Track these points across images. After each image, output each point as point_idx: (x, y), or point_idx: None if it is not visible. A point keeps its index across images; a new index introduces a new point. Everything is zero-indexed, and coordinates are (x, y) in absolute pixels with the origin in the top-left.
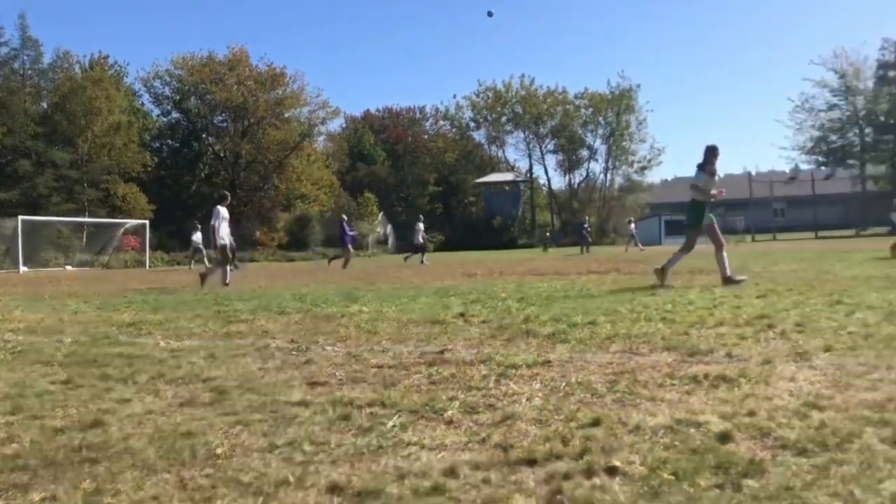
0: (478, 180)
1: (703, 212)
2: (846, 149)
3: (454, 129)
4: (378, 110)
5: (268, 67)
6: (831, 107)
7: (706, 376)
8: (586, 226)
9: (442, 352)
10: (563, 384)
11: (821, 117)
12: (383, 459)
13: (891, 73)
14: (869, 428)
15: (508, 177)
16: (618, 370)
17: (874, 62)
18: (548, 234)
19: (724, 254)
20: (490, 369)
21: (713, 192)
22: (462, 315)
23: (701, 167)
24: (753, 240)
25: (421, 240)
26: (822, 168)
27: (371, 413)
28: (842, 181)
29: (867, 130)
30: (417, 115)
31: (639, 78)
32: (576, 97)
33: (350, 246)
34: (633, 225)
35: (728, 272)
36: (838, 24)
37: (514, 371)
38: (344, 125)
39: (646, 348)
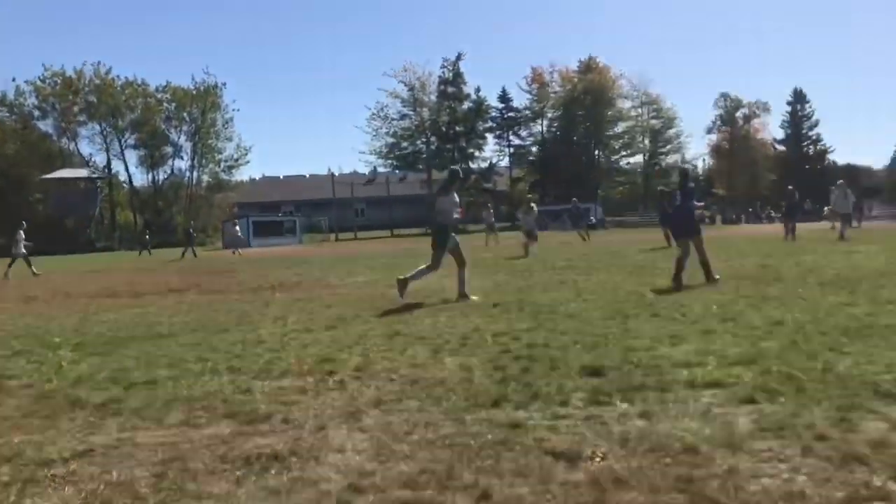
0: (45, 176)
1: (446, 234)
2: (416, 155)
3: (14, 118)
4: None
5: None
6: (402, 116)
7: (259, 456)
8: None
9: None
10: (102, 487)
11: (394, 125)
12: None
13: (450, 89)
14: None
15: (83, 173)
16: (168, 456)
17: (437, 78)
18: (147, 235)
19: (466, 273)
20: (14, 473)
21: (456, 214)
22: None
23: (443, 190)
24: (337, 239)
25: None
26: (397, 171)
27: None
28: (413, 184)
29: (432, 139)
30: None
31: (225, 76)
32: (157, 90)
33: None
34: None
35: (465, 289)
36: (409, 38)
37: (45, 472)
38: None
39: (204, 416)
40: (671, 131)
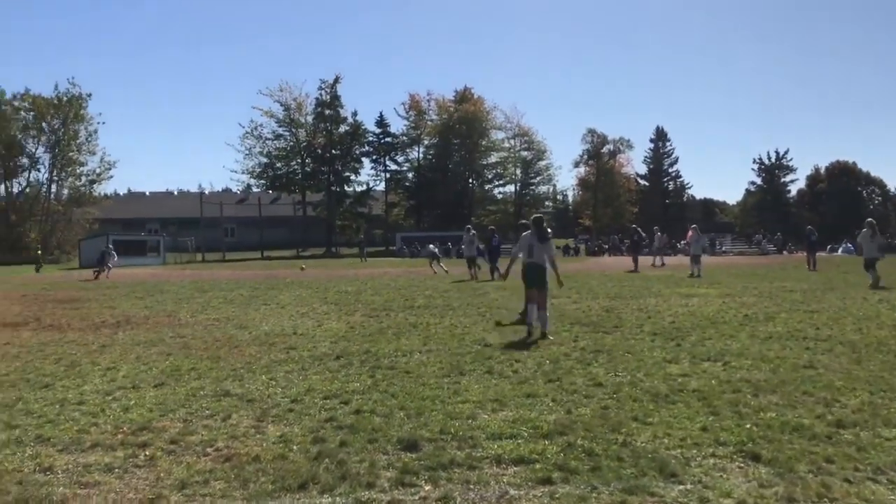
0: None
1: None
2: (290, 176)
3: None
4: None
5: None
6: (277, 136)
7: None
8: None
9: None
10: None
11: (268, 145)
12: None
13: (327, 112)
14: None
15: None
16: None
17: (314, 99)
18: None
19: None
20: None
21: None
22: None
23: None
24: (204, 259)
25: None
26: (270, 192)
27: None
28: (286, 205)
29: (308, 161)
30: None
31: (92, 87)
32: (14, 98)
33: None
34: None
35: None
36: (287, 57)
37: None
38: None
39: None
40: (542, 163)
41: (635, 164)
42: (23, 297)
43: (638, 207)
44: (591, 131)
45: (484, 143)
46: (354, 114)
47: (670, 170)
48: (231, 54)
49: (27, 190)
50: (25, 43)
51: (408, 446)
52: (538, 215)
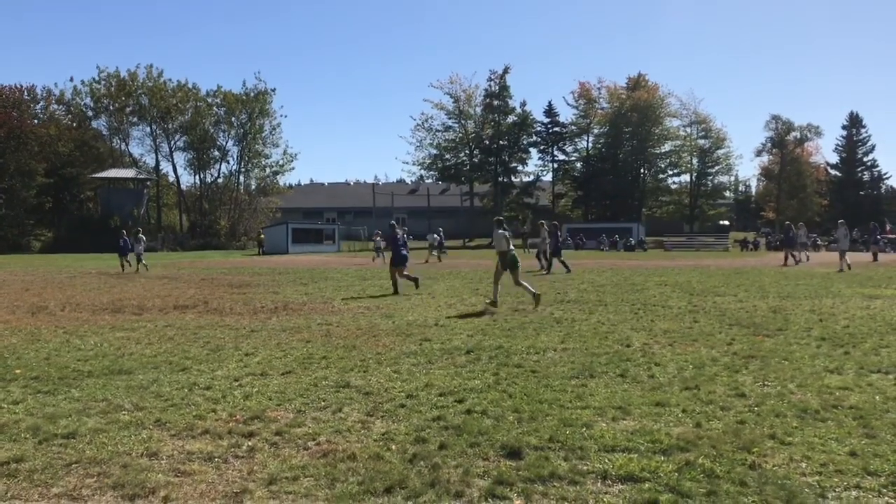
0: (96, 175)
1: None
2: (458, 167)
3: (70, 116)
4: None
5: None
6: (447, 128)
7: None
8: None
9: None
10: None
11: (438, 137)
12: None
13: (495, 102)
14: None
15: (131, 173)
16: None
17: (483, 90)
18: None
19: None
20: None
21: None
22: None
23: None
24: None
25: None
26: (440, 183)
27: None
28: (454, 196)
29: (475, 152)
30: (26, 97)
31: (275, 83)
32: (208, 94)
33: None
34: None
35: None
36: (457, 50)
37: None
38: None
39: (93, 486)
40: (720, 151)
41: (825, 152)
42: (201, 281)
43: (828, 199)
44: (776, 118)
45: (657, 131)
46: (523, 104)
47: (865, 159)
48: (403, 48)
49: (219, 180)
50: (216, 42)
51: (510, 453)
52: (500, 217)
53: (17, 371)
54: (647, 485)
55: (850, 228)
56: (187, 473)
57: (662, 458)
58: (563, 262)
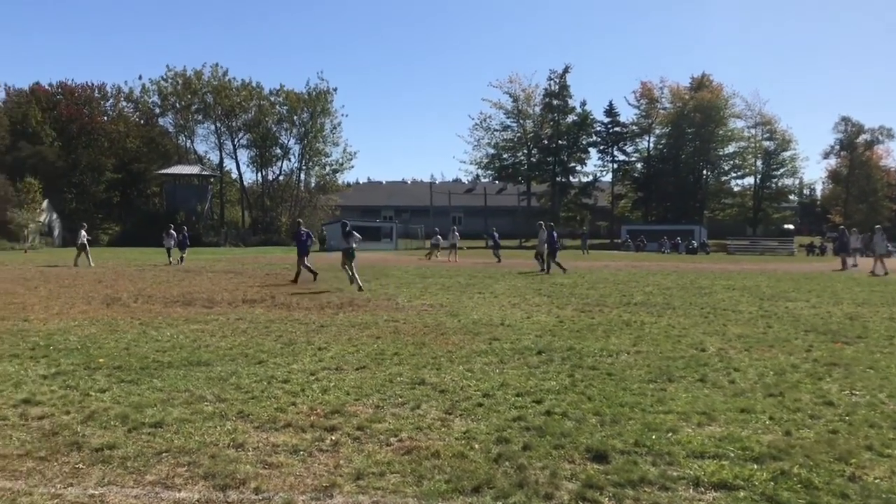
0: (162, 171)
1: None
2: (516, 166)
3: (138, 113)
4: (50, 84)
5: None
6: (505, 127)
7: None
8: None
9: None
10: None
11: (496, 136)
12: None
13: (555, 102)
14: None
15: (195, 169)
16: None
17: (542, 90)
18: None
19: None
20: None
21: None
22: None
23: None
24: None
25: None
26: (496, 182)
27: None
28: (511, 196)
29: (534, 151)
30: (97, 94)
31: (336, 81)
32: (271, 93)
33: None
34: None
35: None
36: (517, 49)
37: None
38: (4, 98)
39: (184, 475)
40: (786, 154)
41: None
42: (266, 276)
43: None
44: (846, 119)
45: (721, 132)
46: (583, 103)
47: None
48: (463, 47)
49: (280, 177)
50: (279, 40)
51: (596, 457)
52: (344, 221)
53: (101, 360)
54: (742, 493)
55: None
56: (274, 465)
57: (755, 466)
58: (557, 263)
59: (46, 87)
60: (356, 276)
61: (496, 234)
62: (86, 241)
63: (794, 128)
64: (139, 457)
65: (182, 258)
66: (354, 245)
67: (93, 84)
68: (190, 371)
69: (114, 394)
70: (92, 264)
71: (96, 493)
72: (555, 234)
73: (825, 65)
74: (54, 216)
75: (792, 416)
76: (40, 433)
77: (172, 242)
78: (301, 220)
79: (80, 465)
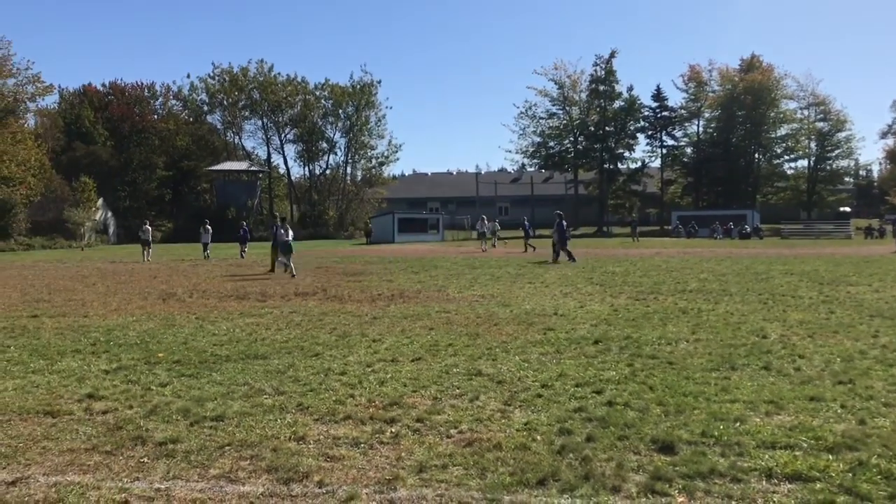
0: (211, 167)
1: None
2: (562, 154)
3: (187, 111)
4: (102, 85)
5: None
6: (551, 115)
7: None
8: None
9: None
10: None
11: (541, 124)
12: None
13: (601, 88)
14: None
15: (244, 165)
16: None
17: (588, 76)
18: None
19: None
20: None
21: None
22: None
23: None
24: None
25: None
26: (542, 171)
27: None
28: (558, 184)
29: (580, 139)
30: (146, 94)
31: (379, 74)
32: (316, 88)
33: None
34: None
35: None
36: (561, 36)
37: None
38: (59, 100)
39: (248, 468)
40: (841, 135)
41: None
42: (317, 270)
43: None
44: None
45: (772, 114)
46: (630, 88)
47: None
48: (506, 37)
49: (327, 171)
50: (322, 35)
51: (663, 448)
52: (284, 216)
53: (160, 355)
54: (818, 485)
55: None
56: (336, 458)
57: (830, 456)
58: (568, 252)
59: (98, 87)
60: (291, 266)
61: (528, 224)
62: (149, 238)
63: (850, 107)
64: (202, 450)
65: (243, 252)
66: (287, 239)
67: (142, 83)
68: (248, 364)
69: (174, 388)
70: (149, 259)
71: (162, 487)
72: (564, 224)
73: (882, 41)
74: (109, 214)
75: (865, 405)
76: (105, 427)
77: (208, 238)
78: (277, 214)
79: (145, 460)
